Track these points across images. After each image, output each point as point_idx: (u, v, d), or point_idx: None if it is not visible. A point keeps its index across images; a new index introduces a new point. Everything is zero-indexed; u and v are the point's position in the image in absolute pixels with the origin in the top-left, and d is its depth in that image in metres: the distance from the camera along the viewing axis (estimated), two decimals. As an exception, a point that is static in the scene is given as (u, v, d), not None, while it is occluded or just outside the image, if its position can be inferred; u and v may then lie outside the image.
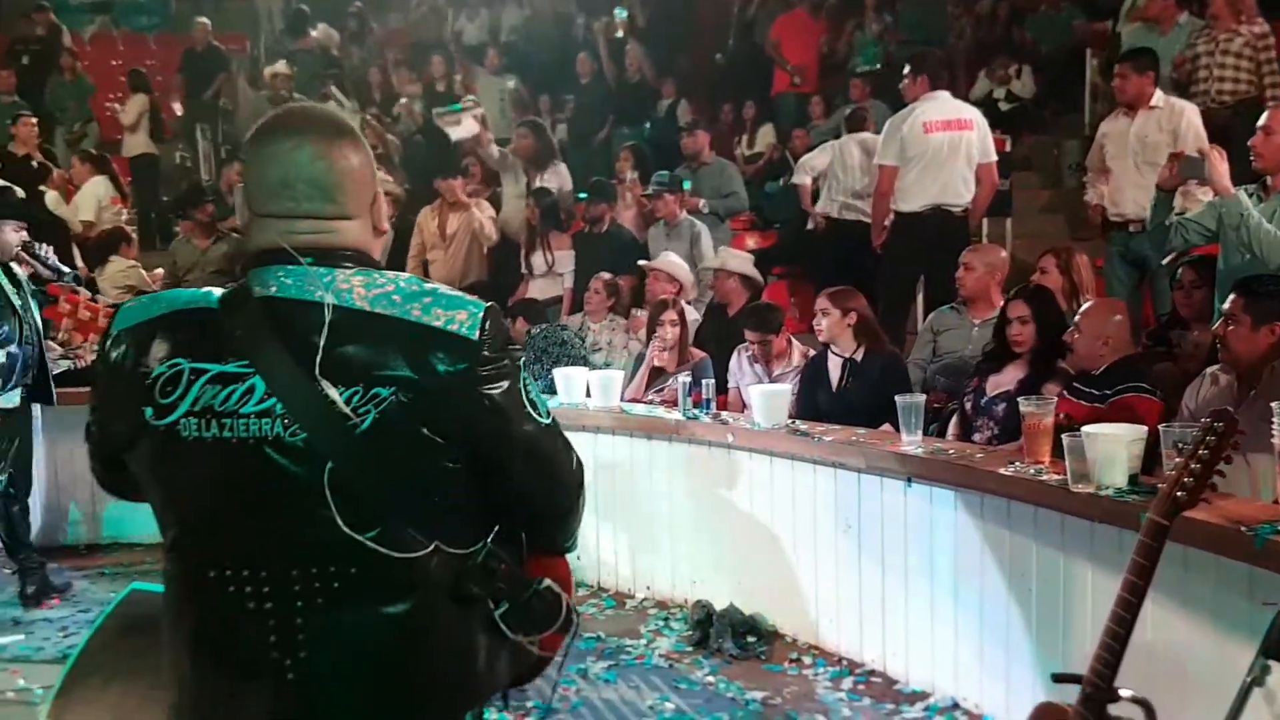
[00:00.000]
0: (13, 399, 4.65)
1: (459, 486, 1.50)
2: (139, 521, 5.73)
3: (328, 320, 1.42)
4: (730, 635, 4.11)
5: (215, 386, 1.45)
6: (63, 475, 5.84)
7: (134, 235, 8.15)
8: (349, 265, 1.50)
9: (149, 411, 1.47)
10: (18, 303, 4.62)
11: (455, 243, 7.00)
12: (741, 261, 5.94)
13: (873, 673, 3.87)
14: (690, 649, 4.17)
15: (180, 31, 12.32)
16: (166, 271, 7.31)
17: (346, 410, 1.41)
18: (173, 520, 1.53)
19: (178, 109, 10.84)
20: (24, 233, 4.81)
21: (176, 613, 1.55)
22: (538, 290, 6.88)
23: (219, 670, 1.51)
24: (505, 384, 1.49)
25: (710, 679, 3.90)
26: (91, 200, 8.24)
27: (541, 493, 1.59)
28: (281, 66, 9.63)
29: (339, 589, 1.45)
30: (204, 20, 10.71)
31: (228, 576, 1.47)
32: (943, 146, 5.64)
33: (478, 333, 1.46)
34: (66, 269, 5.43)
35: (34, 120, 8.67)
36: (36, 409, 5.09)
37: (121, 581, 4.52)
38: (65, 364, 5.67)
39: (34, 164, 8.25)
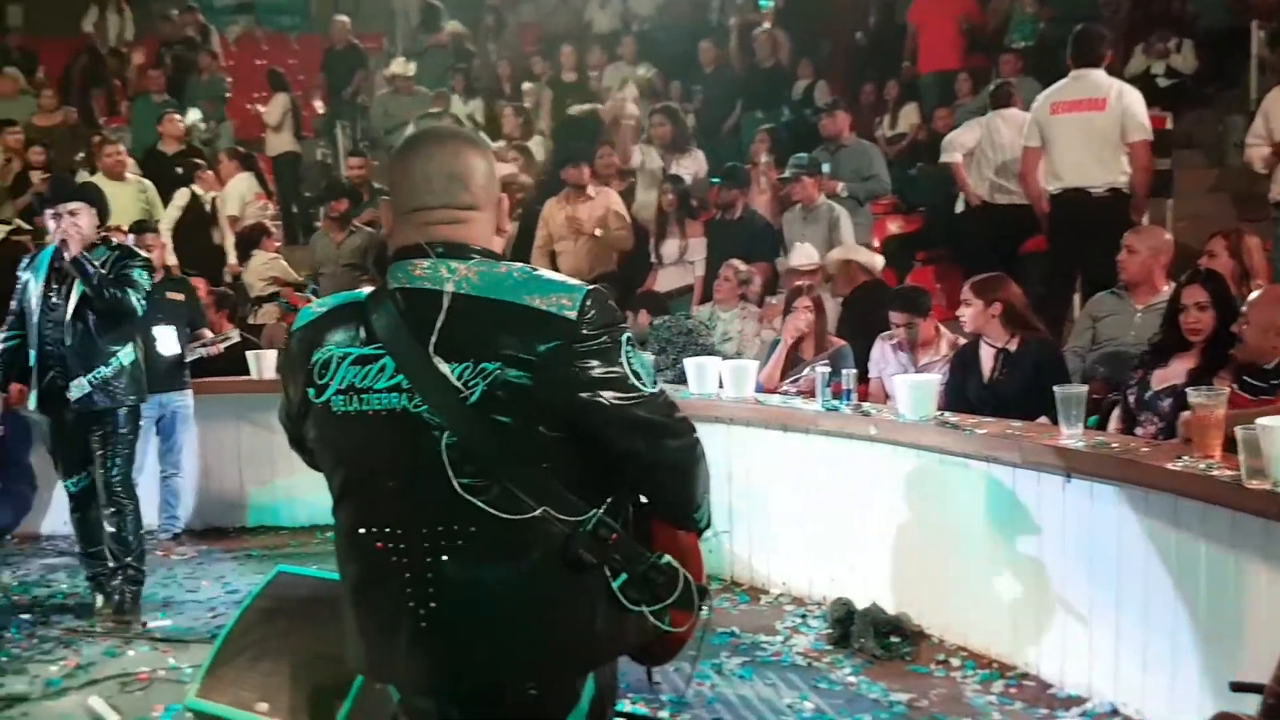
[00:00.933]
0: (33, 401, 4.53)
1: (565, 455, 1.67)
2: (286, 507, 6.07)
3: (445, 305, 1.66)
4: (873, 634, 4.04)
5: (356, 367, 1.70)
6: (212, 461, 6.16)
7: (277, 230, 8.56)
8: (472, 256, 1.71)
9: (311, 392, 1.75)
10: (36, 302, 4.47)
11: (583, 234, 7.01)
12: (869, 256, 5.91)
13: (1025, 676, 3.75)
14: (830, 647, 4.12)
15: (321, 31, 12.81)
16: (306, 264, 7.64)
17: (457, 384, 1.62)
18: (334, 485, 1.79)
19: (319, 107, 11.27)
20: (66, 223, 4.39)
21: (341, 568, 1.80)
22: (667, 280, 6.90)
23: (372, 619, 1.75)
24: (604, 358, 1.66)
25: (851, 679, 3.85)
26: (236, 196, 8.66)
27: (649, 461, 1.74)
28: (398, 66, 9.91)
29: (461, 546, 1.66)
30: (343, 18, 11.10)
31: (373, 534, 1.71)
32: (1070, 127, 5.56)
33: (576, 313, 1.64)
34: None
35: (179, 117, 9.17)
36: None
37: (268, 564, 4.72)
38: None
39: (181, 161, 8.69)
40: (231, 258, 8.24)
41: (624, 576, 1.70)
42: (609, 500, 1.71)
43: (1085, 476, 3.50)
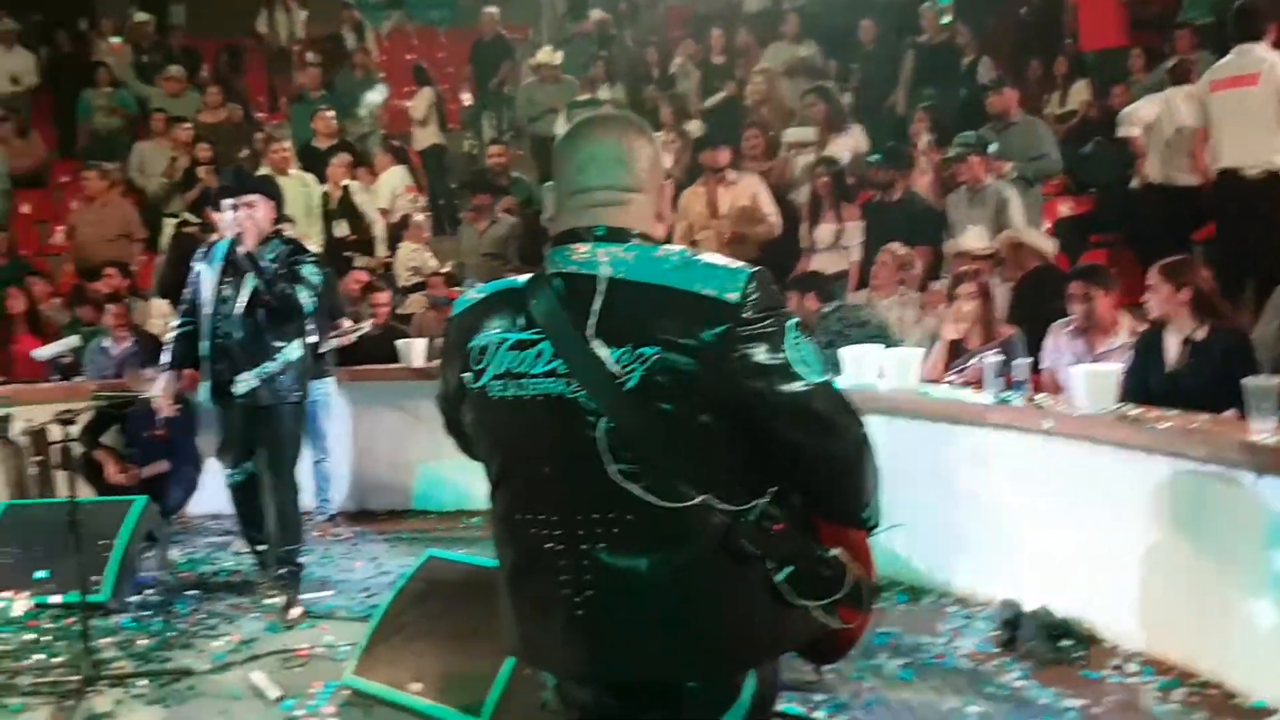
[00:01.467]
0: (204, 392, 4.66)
1: (726, 442, 1.63)
2: (434, 491, 6.22)
3: (603, 289, 1.63)
4: (1042, 637, 3.85)
5: (514, 352, 1.69)
6: (364, 446, 6.36)
7: (425, 221, 8.77)
8: (631, 240, 1.70)
9: (469, 377, 1.75)
10: (213, 293, 4.56)
11: (724, 220, 6.82)
12: (1040, 239, 5.65)
13: (1208, 684, 3.53)
14: (996, 650, 3.95)
15: (469, 24, 13.07)
16: (452, 254, 7.80)
17: (615, 368, 1.60)
18: (491, 470, 1.79)
19: (467, 99, 11.50)
20: (243, 214, 4.46)
21: (498, 552, 1.79)
22: (820, 265, 6.69)
23: (528, 604, 1.74)
24: (768, 344, 1.61)
25: (1020, 683, 3.68)
26: (388, 189, 8.93)
27: (815, 453, 1.67)
28: (545, 55, 9.99)
29: (617, 534, 1.63)
30: (491, 10, 11.29)
31: (529, 519, 1.70)
32: (1227, 105, 5.46)
33: (739, 296, 1.60)
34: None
35: (330, 114, 9.44)
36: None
37: (418, 547, 4.80)
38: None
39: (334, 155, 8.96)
40: (381, 249, 8.48)
41: (789, 570, 1.64)
42: (774, 489, 1.65)
43: (1276, 474, 3.29)
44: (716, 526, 1.61)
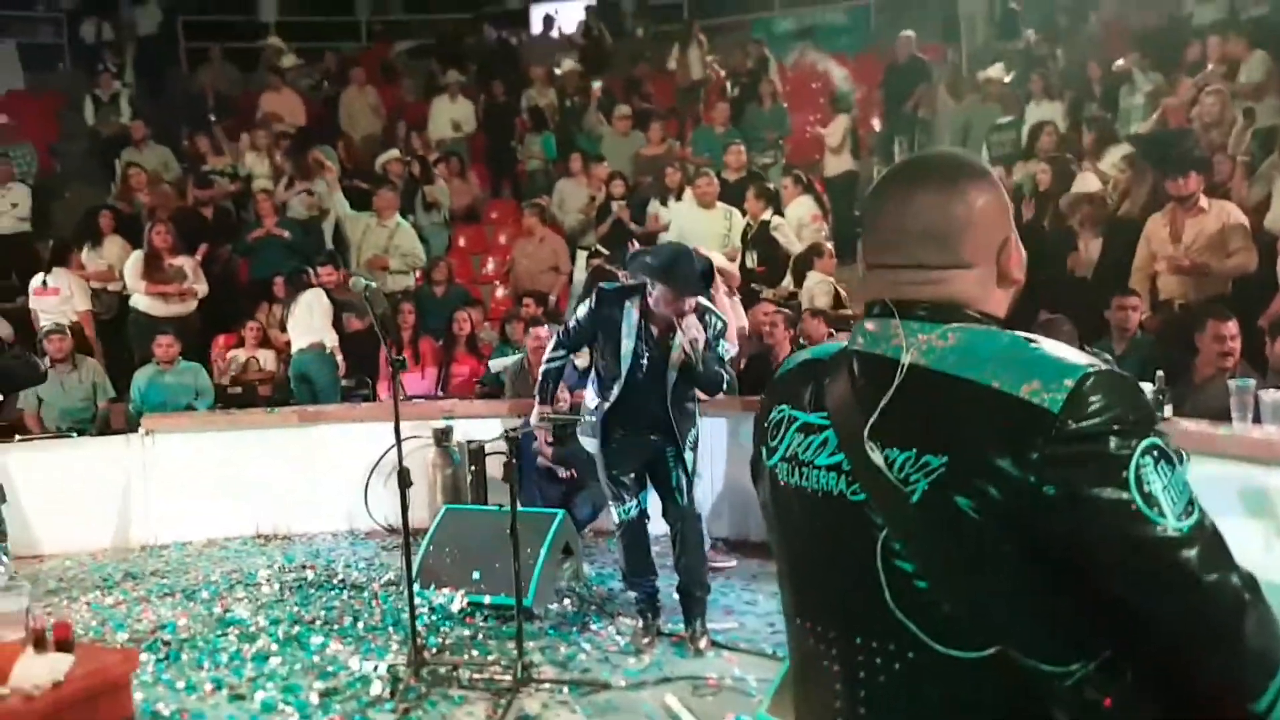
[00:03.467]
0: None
1: (1039, 586, 1.30)
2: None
3: (898, 379, 1.39)
4: None
5: (801, 435, 1.51)
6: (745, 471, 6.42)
7: (831, 250, 8.84)
8: (948, 320, 1.42)
9: (763, 451, 1.59)
10: (626, 350, 4.72)
11: (1186, 249, 6.32)
12: None
13: None
14: None
15: (877, 48, 13.07)
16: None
17: (893, 477, 1.35)
18: (776, 559, 1.63)
19: (876, 125, 11.50)
20: (689, 323, 4.64)
21: (788, 645, 1.62)
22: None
23: (808, 710, 1.56)
24: (1100, 471, 1.25)
25: None
26: (794, 219, 9.10)
27: (1169, 621, 1.26)
28: (995, 71, 9.75)
29: (897, 670, 1.38)
30: (909, 33, 11.23)
31: (808, 628, 1.52)
32: None
33: (1062, 402, 1.26)
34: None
35: (740, 147, 9.89)
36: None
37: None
38: None
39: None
40: (787, 279, 8.64)
41: None
42: (1105, 653, 1.31)
43: None
44: (1017, 690, 1.31)
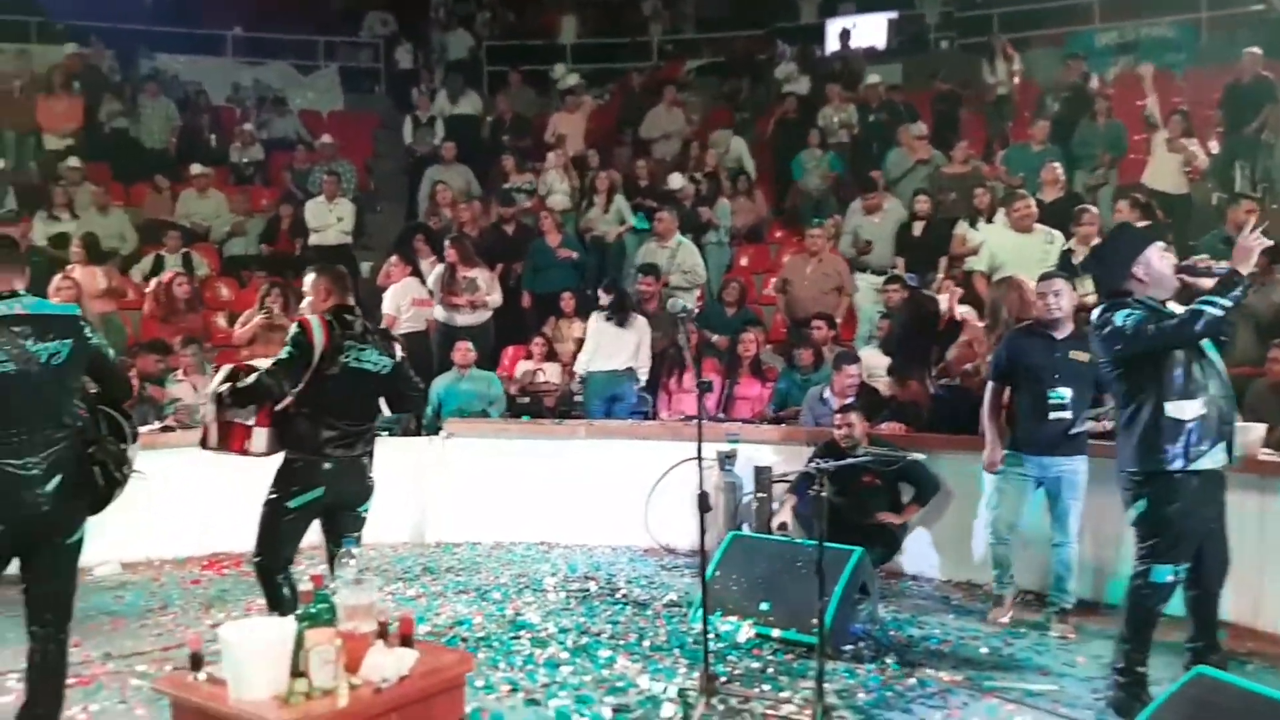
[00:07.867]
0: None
1: None
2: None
3: None
4: None
5: None
6: (1092, 531, 5.83)
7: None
8: None
9: None
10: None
11: None
12: None
13: None
14: None
15: (1211, 64, 12.10)
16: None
17: None
18: None
19: (1213, 146, 10.61)
20: None
21: None
22: None
23: None
24: None
25: None
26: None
27: None
28: None
29: None
30: (1255, 50, 10.33)
31: None
32: None
33: None
34: None
35: (1058, 165, 9.45)
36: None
37: (1165, 655, 4.43)
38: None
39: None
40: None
41: None
42: None
43: None
44: None
